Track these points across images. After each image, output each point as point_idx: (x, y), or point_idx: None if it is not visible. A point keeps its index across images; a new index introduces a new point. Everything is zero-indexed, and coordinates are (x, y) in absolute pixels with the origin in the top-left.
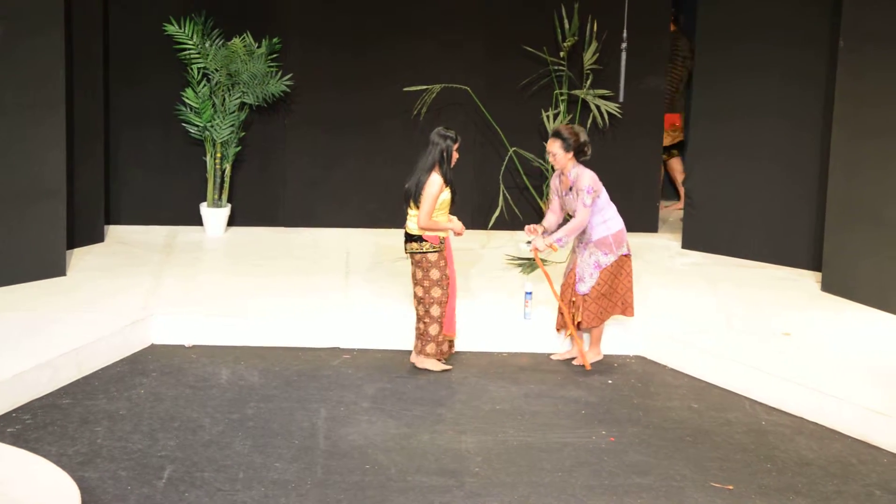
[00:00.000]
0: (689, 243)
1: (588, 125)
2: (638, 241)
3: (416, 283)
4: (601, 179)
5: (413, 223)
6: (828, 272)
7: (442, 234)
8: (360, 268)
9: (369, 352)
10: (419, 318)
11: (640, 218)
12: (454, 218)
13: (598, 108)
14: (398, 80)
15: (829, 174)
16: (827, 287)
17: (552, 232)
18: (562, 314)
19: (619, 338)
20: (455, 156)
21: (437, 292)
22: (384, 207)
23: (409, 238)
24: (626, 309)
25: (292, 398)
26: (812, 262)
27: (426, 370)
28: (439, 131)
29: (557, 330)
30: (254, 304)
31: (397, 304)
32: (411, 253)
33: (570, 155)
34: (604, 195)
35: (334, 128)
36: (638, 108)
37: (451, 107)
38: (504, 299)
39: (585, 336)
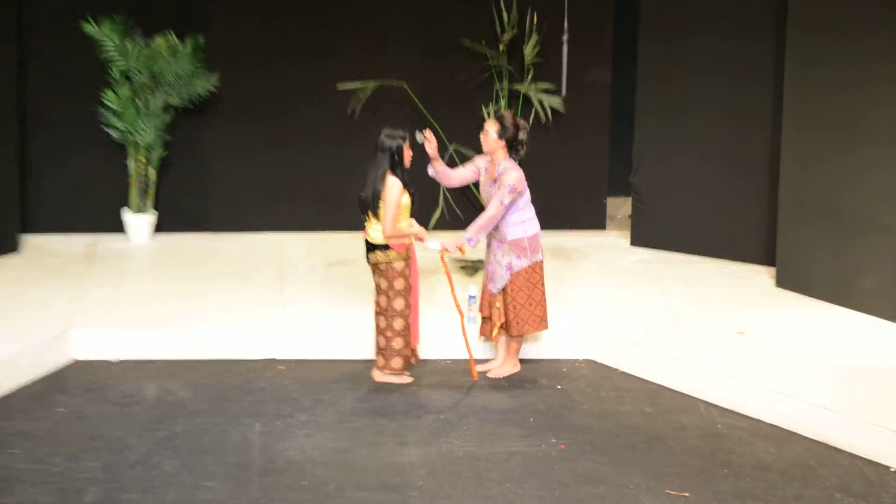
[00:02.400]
0: (638, 240)
1: (531, 120)
2: (585, 239)
3: (379, 293)
4: (545, 176)
5: (376, 232)
6: (782, 267)
7: (407, 241)
8: (296, 274)
9: (306, 363)
10: (380, 331)
11: (586, 215)
12: (414, 222)
13: (540, 102)
14: (331, 77)
15: (781, 167)
16: (781, 282)
17: (436, 174)
18: (485, 321)
19: (567, 341)
20: (408, 154)
21: (400, 303)
22: (319, 210)
23: (373, 248)
24: (541, 322)
25: (225, 413)
26: (765, 256)
27: (386, 382)
28: (387, 132)
29: (479, 336)
30: (182, 314)
31: (335, 311)
32: (375, 263)
33: (502, 143)
34: (526, 195)
35: (265, 128)
36: (582, 102)
37: (387, 105)
38: (447, 303)
39: (495, 344)
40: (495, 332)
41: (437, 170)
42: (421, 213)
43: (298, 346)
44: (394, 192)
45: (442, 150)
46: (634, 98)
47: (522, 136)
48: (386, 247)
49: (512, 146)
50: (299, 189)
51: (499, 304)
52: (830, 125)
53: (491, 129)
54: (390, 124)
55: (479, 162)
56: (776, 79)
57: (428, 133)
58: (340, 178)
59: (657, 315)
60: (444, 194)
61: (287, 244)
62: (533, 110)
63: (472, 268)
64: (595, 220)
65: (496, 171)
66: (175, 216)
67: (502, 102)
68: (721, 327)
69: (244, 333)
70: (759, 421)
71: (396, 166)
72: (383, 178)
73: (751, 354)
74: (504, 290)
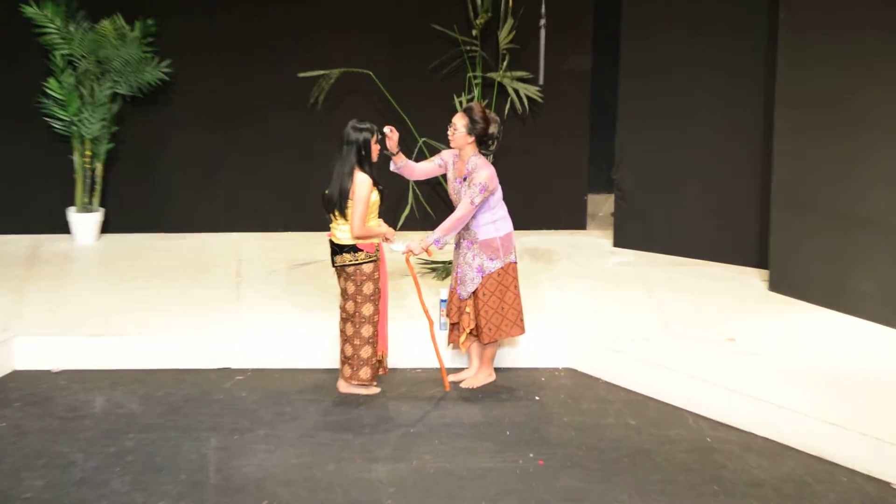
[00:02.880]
0: (622, 241)
1: (506, 111)
2: (564, 239)
3: (346, 298)
4: (521, 171)
5: (343, 233)
6: (775, 270)
7: (376, 241)
8: (254, 277)
9: (266, 372)
10: (347, 340)
11: (566, 213)
12: (382, 221)
13: (516, 91)
14: (292, 65)
15: (774, 165)
16: (774, 286)
17: (397, 168)
18: (454, 327)
19: (546, 348)
20: (375, 149)
21: (368, 309)
22: (280, 209)
23: (339, 249)
24: (514, 326)
25: (178, 427)
26: (757, 258)
27: (352, 394)
28: (353, 125)
29: (448, 344)
30: (132, 321)
31: (297, 317)
32: (342, 266)
33: (471, 140)
34: (498, 193)
35: (221, 120)
36: (561, 91)
37: (352, 94)
38: (416, 308)
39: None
40: (463, 339)
41: (399, 165)
42: (388, 211)
43: (257, 355)
44: (363, 188)
45: (411, 143)
46: (617, 87)
47: (493, 130)
48: (354, 248)
49: (482, 141)
50: (258, 186)
51: (469, 308)
52: (825, 122)
53: (459, 124)
54: (356, 116)
55: (446, 156)
56: (767, 72)
57: (388, 130)
58: (303, 173)
59: (642, 321)
60: (414, 191)
61: (245, 245)
62: (508, 100)
63: (442, 270)
64: (575, 219)
65: (465, 167)
66: (123, 215)
67: (476, 91)
68: (711, 334)
69: (198, 341)
70: (751, 434)
71: (364, 161)
72: (351, 173)
73: (742, 363)
74: (475, 294)
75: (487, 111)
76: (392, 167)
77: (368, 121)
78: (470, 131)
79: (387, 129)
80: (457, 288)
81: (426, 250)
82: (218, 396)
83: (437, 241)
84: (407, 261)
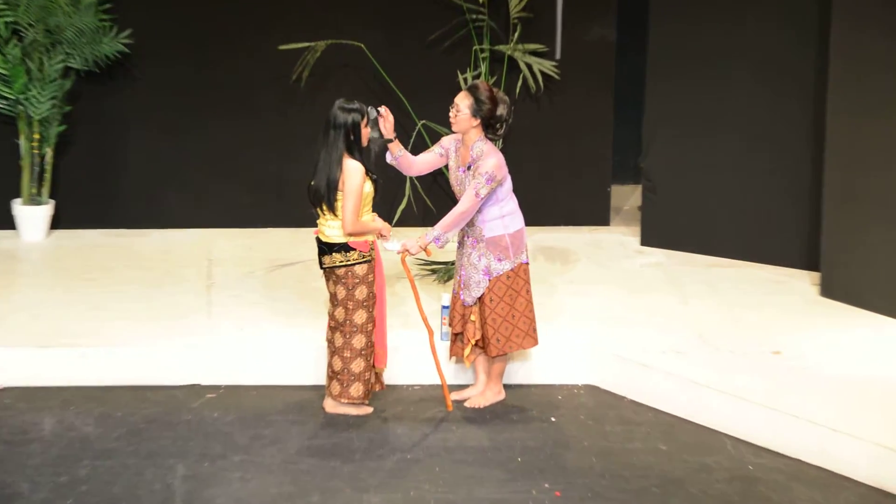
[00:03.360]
0: (650, 238)
1: (517, 90)
2: (585, 237)
3: (335, 304)
4: (534, 159)
5: (333, 229)
6: (827, 272)
7: (370, 239)
8: (227, 280)
9: (241, 389)
10: (336, 351)
11: (586, 207)
12: (376, 216)
13: (529, 67)
14: (272, 36)
15: (826, 153)
16: (827, 291)
17: (394, 161)
18: (457, 337)
19: (563, 363)
20: (366, 132)
21: (361, 317)
22: (257, 201)
23: (328, 248)
24: (527, 337)
25: (140, 452)
26: (806, 259)
27: (341, 414)
28: (340, 105)
29: (450, 357)
30: (86, 330)
31: (278, 325)
32: (332, 267)
33: (476, 122)
34: (507, 184)
35: (189, 99)
36: (581, 67)
37: (340, 70)
38: (414, 316)
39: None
40: (467, 351)
41: (397, 155)
42: (382, 204)
43: (231, 369)
44: (355, 178)
45: (409, 126)
46: (645, 61)
47: (501, 111)
48: (345, 246)
49: (489, 124)
50: (233, 175)
51: (474, 317)
52: (885, 107)
53: (462, 104)
54: (345, 95)
55: (447, 143)
56: (820, 42)
57: (384, 110)
58: (284, 161)
59: (675, 330)
60: (412, 182)
61: (217, 243)
62: (520, 77)
63: (444, 272)
64: (596, 214)
65: (469, 155)
66: (77, 208)
67: (483, 67)
68: (753, 346)
69: (163, 353)
70: (800, 462)
71: (354, 146)
72: (339, 161)
73: (790, 379)
74: (481, 300)
75: (495, 90)
76: (388, 158)
77: (358, 100)
78: (475, 113)
79: (381, 109)
80: (460, 293)
81: (425, 249)
82: (186, 417)
83: (438, 239)
84: (403, 262)
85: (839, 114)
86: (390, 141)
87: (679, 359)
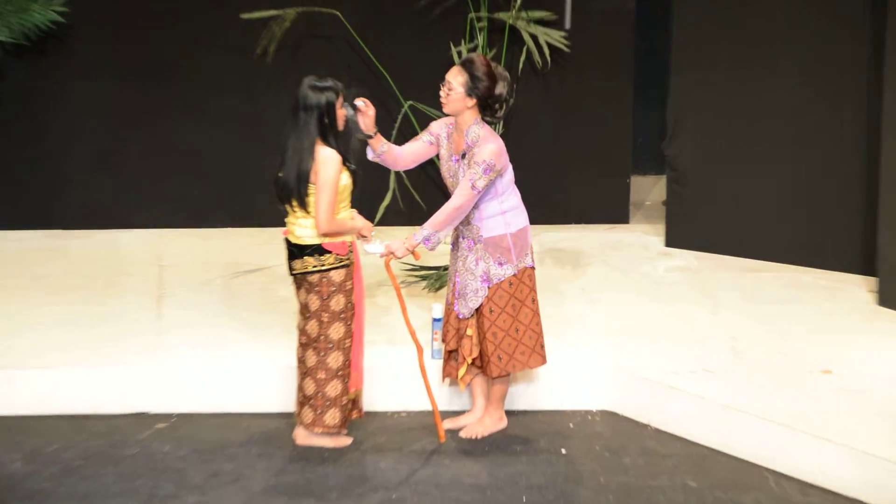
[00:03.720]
0: (676, 238)
1: (520, 65)
2: (600, 236)
3: (307, 316)
4: (541, 146)
5: (304, 229)
6: (887, 278)
7: (348, 239)
8: (182, 289)
9: (197, 418)
10: (308, 373)
11: (601, 202)
12: (356, 213)
13: (534, 38)
14: (232, 3)
15: (884, 140)
16: (886, 300)
17: (377, 157)
18: (451, 355)
19: (575, 385)
20: (341, 114)
21: (338, 331)
22: (216, 197)
23: (299, 251)
24: (533, 354)
25: (76, 494)
26: (862, 263)
27: (314, 446)
28: (311, 83)
29: (443, 379)
30: (15, 349)
31: (239, 343)
32: (303, 273)
33: (472, 103)
34: (508, 175)
35: (134, 76)
36: (595, 39)
37: (313, 42)
38: (400, 330)
39: (474, 388)
40: (462, 372)
41: (380, 152)
42: (363, 200)
43: (186, 395)
44: (330, 168)
45: (394, 108)
46: (670, 31)
47: (501, 90)
48: (319, 249)
49: (486, 105)
50: (187, 165)
51: (471, 331)
52: None
53: (455, 82)
54: (317, 72)
55: (437, 128)
56: (874, 29)
57: (363, 103)
58: (248, 149)
59: (706, 346)
60: (398, 173)
61: (170, 246)
62: (524, 50)
63: (436, 279)
64: (614, 210)
65: (464, 141)
66: (4, 206)
67: (480, 38)
68: (799, 365)
69: (106, 376)
70: (854, 501)
71: (328, 132)
72: (311, 149)
73: (842, 404)
74: (479, 311)
75: (494, 64)
76: (370, 155)
77: (333, 77)
78: (470, 92)
79: (359, 103)
80: (454, 303)
81: (412, 252)
82: (131, 451)
83: (428, 240)
84: (387, 266)
85: None
86: (370, 137)
87: (711, 380)
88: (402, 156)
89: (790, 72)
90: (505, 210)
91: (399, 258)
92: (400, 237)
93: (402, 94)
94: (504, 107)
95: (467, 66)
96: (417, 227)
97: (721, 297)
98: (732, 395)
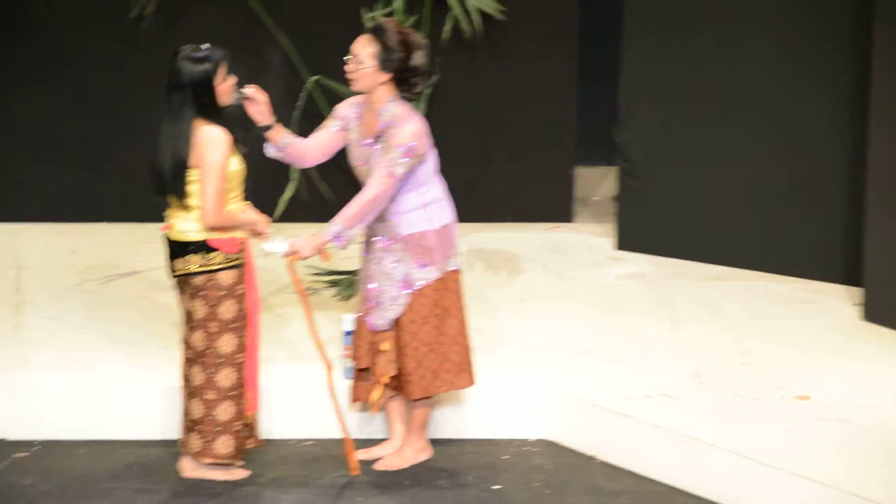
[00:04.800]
0: (629, 240)
1: (444, 33)
2: (539, 237)
3: (192, 326)
4: (470, 131)
5: (187, 222)
6: (874, 289)
7: (239, 236)
8: (43, 296)
9: (63, 446)
10: (193, 393)
11: (540, 197)
12: (250, 206)
13: (461, 3)
14: None
15: (871, 127)
16: (872, 314)
17: (279, 153)
18: (363, 376)
19: (510, 410)
20: (226, 85)
21: (228, 343)
22: (83, 186)
23: (181, 249)
24: (461, 372)
25: None
26: (844, 272)
27: (203, 479)
28: (186, 54)
29: (354, 402)
30: None
31: (112, 358)
32: (186, 275)
33: (385, 78)
34: (431, 162)
35: None
36: (534, 5)
37: (198, 6)
38: (308, 345)
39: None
40: (376, 395)
41: (283, 145)
42: (263, 192)
43: (49, 420)
44: (216, 150)
45: (296, 85)
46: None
47: (418, 60)
48: (204, 246)
49: (402, 80)
50: (49, 149)
51: (387, 346)
52: None
53: (364, 54)
54: (201, 39)
55: (344, 111)
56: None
57: (252, 90)
58: (121, 132)
59: (664, 367)
60: None
61: (30, 243)
62: (450, 17)
63: (347, 284)
64: (556, 207)
65: (378, 121)
66: None
67: (397, 2)
68: (771, 388)
69: None
70: None
71: (209, 109)
72: (188, 132)
73: (822, 435)
74: (397, 322)
75: (407, 30)
76: (270, 152)
77: (213, 45)
78: (383, 65)
79: (248, 90)
80: (369, 314)
81: (321, 252)
82: None
83: (339, 238)
84: (290, 268)
85: (885, 92)
86: (269, 128)
87: (669, 406)
88: (309, 150)
89: (764, 47)
90: (427, 203)
91: (305, 258)
92: (305, 234)
93: (307, 69)
94: (423, 81)
95: (377, 34)
96: (326, 224)
97: (681, 309)
98: (694, 424)
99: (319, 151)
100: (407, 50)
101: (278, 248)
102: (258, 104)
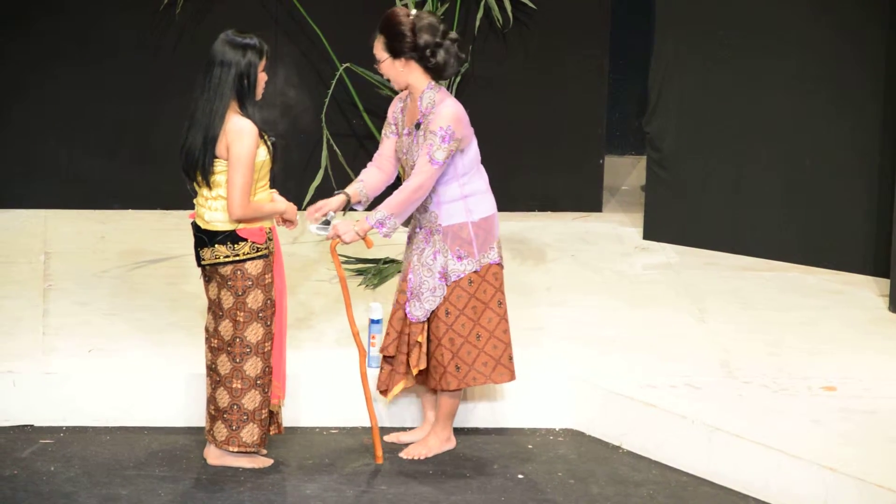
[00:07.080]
0: (656, 230)
1: (477, 23)
2: (568, 227)
3: (219, 315)
4: (502, 120)
5: (215, 212)
6: None
7: (267, 225)
8: (70, 282)
9: (89, 433)
10: (218, 383)
11: (571, 187)
12: (276, 194)
13: None
14: None
15: None
16: None
17: (369, 201)
18: (388, 363)
19: (536, 400)
20: (262, 79)
21: (255, 333)
22: (111, 173)
23: (209, 238)
24: (498, 367)
25: None
26: (872, 262)
27: (229, 467)
28: (229, 38)
29: (381, 391)
30: None
31: (139, 346)
32: (214, 265)
33: (404, 62)
34: (472, 151)
35: (13, 30)
36: None
37: None
38: (335, 333)
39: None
40: (399, 388)
41: (363, 198)
42: (292, 178)
43: (75, 406)
44: (245, 142)
45: (326, 72)
46: None
47: (428, 38)
48: (233, 236)
49: (423, 61)
50: (78, 135)
51: (422, 338)
52: None
53: (378, 51)
54: (235, 26)
55: (392, 110)
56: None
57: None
58: (150, 118)
59: (690, 358)
60: (331, 146)
61: (57, 229)
62: (481, 6)
63: (375, 274)
64: (584, 197)
65: (419, 110)
66: None
67: None
68: (797, 379)
69: None
70: None
71: (246, 97)
72: (224, 112)
73: (848, 425)
74: (434, 313)
75: (412, 13)
76: (359, 208)
77: (254, 35)
78: (397, 54)
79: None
80: (406, 303)
81: (364, 238)
82: (10, 471)
83: (382, 225)
84: (332, 252)
85: None
86: (349, 205)
87: (695, 396)
88: (382, 169)
89: (799, 41)
90: (467, 195)
91: (346, 243)
92: (350, 221)
93: (338, 56)
94: (444, 56)
95: (380, 26)
96: (356, 213)
97: (708, 300)
98: (719, 415)
99: (390, 165)
100: (411, 29)
101: (322, 230)
102: (344, 226)
